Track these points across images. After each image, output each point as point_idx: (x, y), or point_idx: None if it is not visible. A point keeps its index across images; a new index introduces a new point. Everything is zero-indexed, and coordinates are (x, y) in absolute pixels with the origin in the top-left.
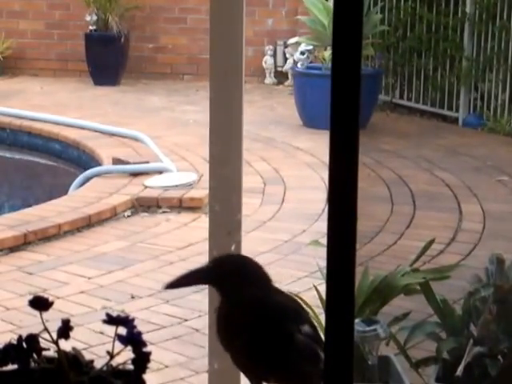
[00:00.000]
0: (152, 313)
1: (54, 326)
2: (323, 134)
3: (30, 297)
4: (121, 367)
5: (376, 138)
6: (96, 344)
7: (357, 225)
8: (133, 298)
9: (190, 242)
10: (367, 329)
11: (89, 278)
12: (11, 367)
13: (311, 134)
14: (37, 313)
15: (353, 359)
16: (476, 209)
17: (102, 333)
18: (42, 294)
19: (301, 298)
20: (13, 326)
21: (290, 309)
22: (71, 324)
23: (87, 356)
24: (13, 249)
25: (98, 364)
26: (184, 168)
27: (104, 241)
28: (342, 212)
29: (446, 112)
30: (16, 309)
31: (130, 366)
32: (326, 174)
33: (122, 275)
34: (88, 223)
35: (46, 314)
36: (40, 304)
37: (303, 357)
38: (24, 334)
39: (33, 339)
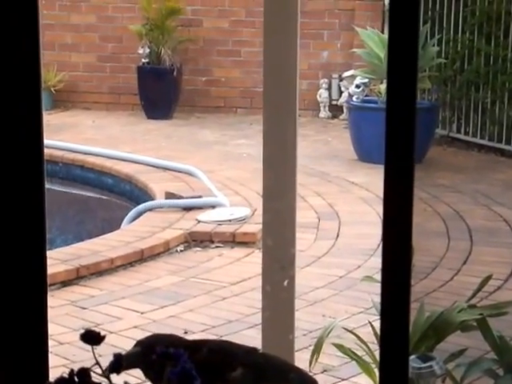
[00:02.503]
0: None
1: (107, 360)
2: (379, 168)
3: (82, 331)
4: None
5: (432, 173)
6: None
7: (412, 260)
8: (186, 333)
9: (243, 277)
10: (423, 365)
11: (142, 313)
12: None
13: (366, 169)
14: (90, 347)
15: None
16: None
17: None
18: (94, 329)
19: (356, 335)
20: (66, 361)
21: (213, 363)
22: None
23: None
24: (65, 283)
25: None
26: (237, 202)
27: (157, 275)
28: (396, 247)
29: (504, 146)
30: (69, 343)
31: None
32: (381, 209)
33: (175, 310)
34: (141, 258)
35: (98, 349)
36: (92, 338)
37: None
38: (76, 369)
39: (84, 373)
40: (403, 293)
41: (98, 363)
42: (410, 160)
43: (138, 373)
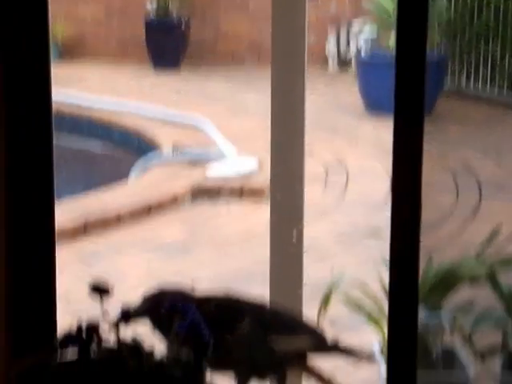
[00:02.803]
0: None
1: (115, 313)
2: (387, 121)
3: (91, 284)
4: (181, 355)
5: (441, 126)
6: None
7: (421, 214)
8: (193, 287)
9: (250, 231)
10: (431, 318)
11: (149, 267)
12: (71, 357)
13: (375, 122)
14: (97, 301)
15: (416, 348)
16: None
17: None
18: (101, 282)
19: (364, 288)
20: (73, 313)
21: (220, 316)
22: None
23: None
24: (73, 236)
25: (158, 354)
26: (245, 156)
27: (164, 229)
28: (405, 200)
29: None
30: (77, 296)
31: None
32: (390, 163)
33: (183, 264)
34: (148, 212)
35: (106, 304)
36: (100, 291)
37: (237, 352)
38: (84, 323)
39: (93, 328)
40: (412, 246)
41: (106, 317)
42: (420, 112)
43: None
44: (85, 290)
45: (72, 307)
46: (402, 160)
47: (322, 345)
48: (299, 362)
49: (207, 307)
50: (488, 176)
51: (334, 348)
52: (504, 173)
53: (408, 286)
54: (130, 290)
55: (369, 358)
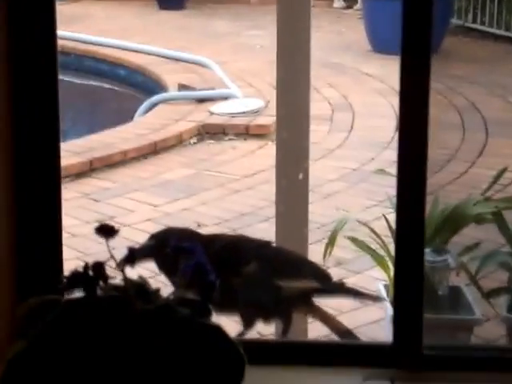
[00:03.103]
0: None
1: (121, 253)
2: (393, 59)
3: (97, 224)
4: (187, 296)
5: (448, 64)
6: None
7: (427, 152)
8: (199, 226)
9: (256, 169)
10: (437, 259)
11: (155, 206)
12: (77, 295)
13: (381, 60)
14: (103, 240)
15: (423, 289)
16: None
17: None
18: (108, 222)
19: (370, 228)
20: (79, 253)
21: (226, 258)
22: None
23: (154, 283)
24: (78, 175)
25: (165, 293)
26: (251, 94)
27: (170, 168)
28: (412, 139)
29: None
30: (82, 236)
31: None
32: (395, 101)
33: (188, 203)
34: (154, 150)
35: (112, 242)
36: (106, 231)
37: (244, 294)
38: (90, 262)
39: (99, 267)
40: (419, 185)
41: (112, 256)
42: (427, 49)
43: (152, 265)
44: (90, 226)
45: (76, 241)
46: (408, 98)
47: (328, 286)
48: (304, 302)
49: (213, 248)
50: (494, 113)
51: (340, 289)
52: (510, 110)
53: (414, 224)
54: (136, 228)
55: (374, 298)
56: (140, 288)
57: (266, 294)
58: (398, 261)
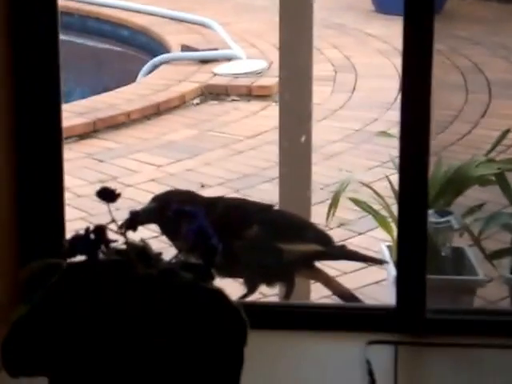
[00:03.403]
0: None
1: (124, 214)
2: (396, 19)
3: (101, 184)
4: (189, 260)
5: (451, 24)
6: None
7: (430, 114)
8: (202, 186)
9: (259, 130)
10: (441, 220)
11: (158, 167)
12: (79, 259)
13: (384, 20)
14: (114, 188)
15: (426, 252)
16: None
17: None
18: (109, 185)
19: (372, 189)
20: (83, 213)
21: (228, 220)
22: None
23: (157, 244)
24: (82, 136)
25: (167, 256)
26: (253, 55)
27: (173, 129)
28: (415, 100)
29: None
30: (87, 196)
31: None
32: (398, 62)
33: (192, 164)
34: (157, 111)
35: (115, 203)
36: (107, 195)
37: (246, 257)
38: (94, 223)
39: (101, 231)
40: (422, 146)
41: (113, 220)
42: (430, 8)
43: (155, 227)
44: (94, 186)
45: (80, 201)
46: (411, 59)
47: (330, 249)
48: (307, 266)
49: (215, 210)
50: (498, 74)
51: (342, 252)
52: None
53: (417, 185)
54: (139, 188)
55: (376, 261)
56: (142, 252)
57: (267, 258)
58: (401, 223)
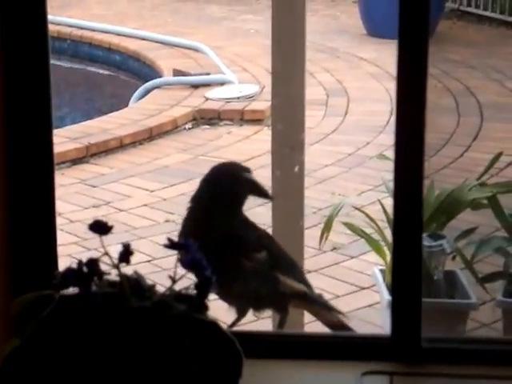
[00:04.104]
0: None
1: (117, 239)
2: (388, 43)
3: (94, 209)
4: (183, 292)
5: (442, 48)
6: (160, 256)
7: (425, 137)
8: None
9: (251, 154)
10: (433, 244)
11: (151, 191)
12: (72, 291)
13: (376, 44)
14: (106, 221)
15: (421, 281)
16: None
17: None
18: (102, 210)
19: (365, 213)
20: (77, 238)
21: (245, 240)
22: (135, 236)
23: (151, 268)
24: (75, 161)
25: (160, 288)
26: (245, 79)
27: (165, 154)
28: (409, 124)
29: None
30: (80, 221)
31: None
32: (390, 85)
33: (185, 188)
34: (149, 136)
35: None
36: (100, 228)
37: (249, 280)
38: (87, 247)
39: (93, 263)
40: (416, 171)
41: (107, 253)
42: (425, 33)
43: (149, 250)
44: (87, 211)
45: (74, 226)
46: (405, 82)
47: (311, 293)
48: (300, 299)
49: (240, 217)
50: (489, 97)
51: (320, 299)
52: (505, 94)
53: (412, 210)
54: (132, 213)
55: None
56: (135, 284)
57: (267, 284)
58: (396, 250)
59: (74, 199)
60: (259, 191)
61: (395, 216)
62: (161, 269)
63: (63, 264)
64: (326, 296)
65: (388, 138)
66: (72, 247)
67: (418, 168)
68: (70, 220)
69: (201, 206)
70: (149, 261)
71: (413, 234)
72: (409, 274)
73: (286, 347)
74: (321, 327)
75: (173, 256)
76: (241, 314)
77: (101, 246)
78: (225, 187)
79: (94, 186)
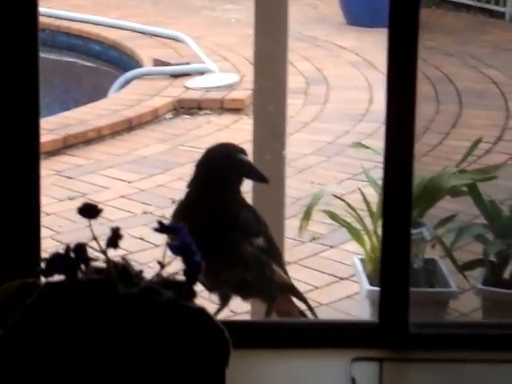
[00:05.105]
0: None
1: (96, 231)
2: (367, 32)
3: (69, 202)
4: (171, 277)
5: (421, 35)
6: (136, 250)
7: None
8: (173, 202)
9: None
10: (413, 231)
11: (129, 182)
12: (58, 278)
13: (355, 33)
14: (76, 218)
15: (409, 267)
16: None
17: (141, 238)
18: (80, 199)
19: (345, 201)
20: (52, 232)
21: (245, 222)
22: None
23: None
24: (52, 153)
25: (148, 274)
26: (226, 69)
27: (145, 144)
28: (399, 113)
29: (492, 6)
30: (55, 214)
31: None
32: (370, 73)
33: (163, 179)
34: (129, 126)
35: (84, 219)
36: (89, 212)
37: (248, 265)
38: (62, 241)
39: (81, 249)
40: (406, 166)
41: (95, 238)
42: (415, 23)
43: (125, 244)
44: (63, 204)
45: (49, 219)
46: (396, 71)
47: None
48: (287, 291)
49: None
50: (468, 84)
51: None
52: (484, 81)
53: (401, 198)
54: (109, 205)
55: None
56: (123, 270)
57: (264, 272)
58: (385, 238)
59: (49, 191)
60: (254, 173)
61: (384, 205)
62: (138, 263)
63: None
64: (306, 287)
65: (367, 126)
66: (47, 241)
67: (408, 157)
68: (45, 213)
69: (196, 189)
70: (125, 254)
71: (402, 220)
72: (397, 260)
73: (273, 336)
74: None
75: (148, 250)
76: (225, 301)
77: (75, 240)
78: (219, 169)
79: (71, 178)
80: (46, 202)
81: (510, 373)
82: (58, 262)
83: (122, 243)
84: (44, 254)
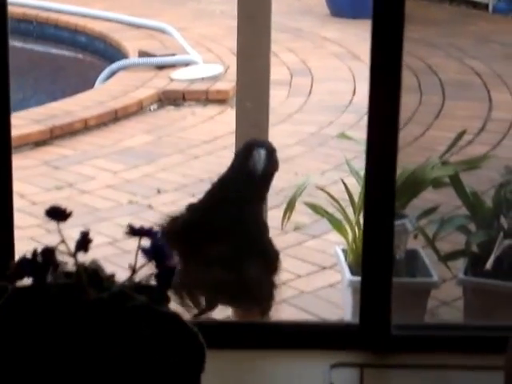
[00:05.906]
0: (178, 207)
1: (79, 221)
2: (351, 23)
3: (56, 191)
4: (143, 282)
5: (404, 26)
6: (122, 238)
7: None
8: (159, 192)
9: (215, 135)
10: (395, 223)
11: (115, 173)
12: (26, 282)
13: (339, 24)
14: (64, 207)
15: (392, 266)
16: (506, 98)
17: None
18: (65, 192)
19: (328, 192)
20: (39, 221)
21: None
22: (97, 218)
23: (112, 250)
24: (38, 143)
25: (121, 274)
26: (210, 60)
27: (130, 135)
28: (383, 104)
29: None
30: (42, 203)
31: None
32: (353, 65)
33: (149, 169)
34: (114, 117)
35: (71, 209)
36: (58, 214)
37: (256, 270)
38: (50, 229)
39: (49, 252)
40: (389, 157)
41: (63, 241)
42: (400, 13)
43: (111, 232)
44: (50, 193)
45: (36, 208)
46: (379, 60)
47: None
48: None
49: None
50: (451, 76)
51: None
52: (467, 72)
53: (385, 190)
54: (96, 194)
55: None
56: (93, 274)
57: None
58: (367, 234)
59: (36, 181)
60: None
61: (366, 196)
62: (123, 251)
63: (24, 248)
64: (289, 276)
65: (351, 117)
66: (34, 230)
67: (392, 148)
68: (32, 202)
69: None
70: (110, 243)
71: (384, 211)
72: (380, 252)
73: (250, 336)
74: None
75: (134, 238)
76: (210, 306)
77: (62, 229)
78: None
79: (57, 168)
80: (34, 192)
81: (493, 380)
82: (26, 266)
83: (108, 231)
84: (33, 243)
